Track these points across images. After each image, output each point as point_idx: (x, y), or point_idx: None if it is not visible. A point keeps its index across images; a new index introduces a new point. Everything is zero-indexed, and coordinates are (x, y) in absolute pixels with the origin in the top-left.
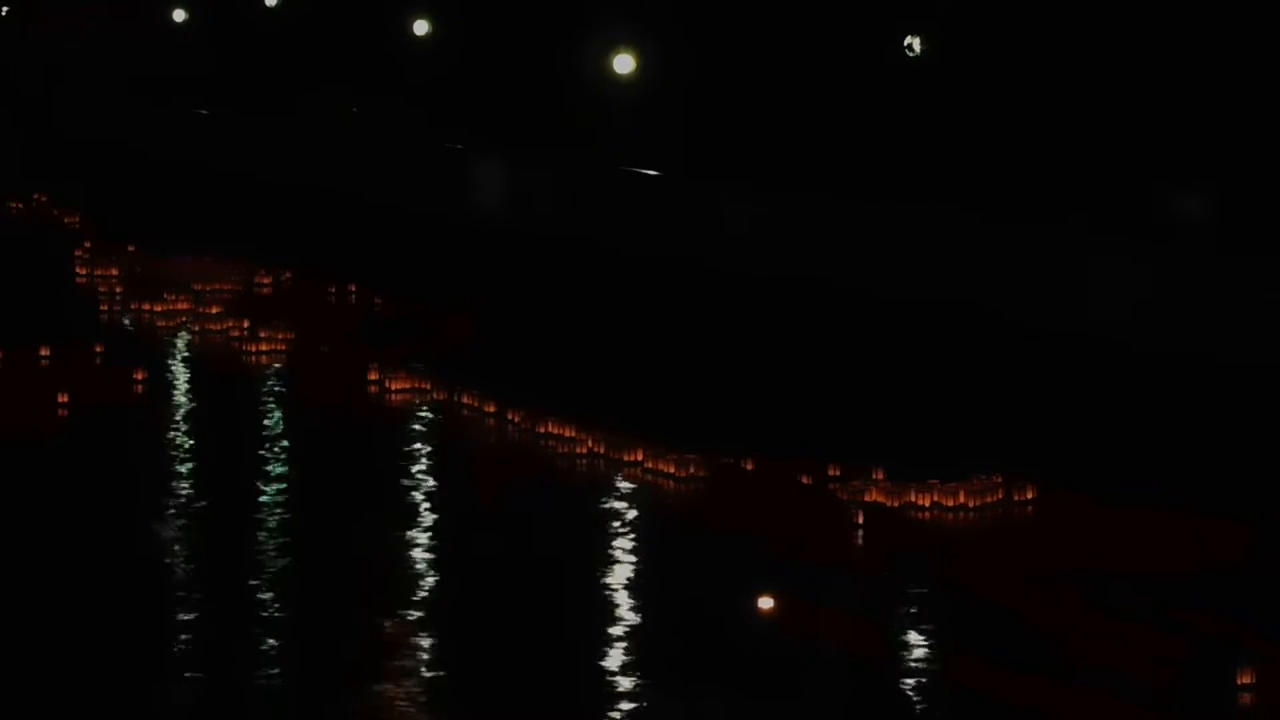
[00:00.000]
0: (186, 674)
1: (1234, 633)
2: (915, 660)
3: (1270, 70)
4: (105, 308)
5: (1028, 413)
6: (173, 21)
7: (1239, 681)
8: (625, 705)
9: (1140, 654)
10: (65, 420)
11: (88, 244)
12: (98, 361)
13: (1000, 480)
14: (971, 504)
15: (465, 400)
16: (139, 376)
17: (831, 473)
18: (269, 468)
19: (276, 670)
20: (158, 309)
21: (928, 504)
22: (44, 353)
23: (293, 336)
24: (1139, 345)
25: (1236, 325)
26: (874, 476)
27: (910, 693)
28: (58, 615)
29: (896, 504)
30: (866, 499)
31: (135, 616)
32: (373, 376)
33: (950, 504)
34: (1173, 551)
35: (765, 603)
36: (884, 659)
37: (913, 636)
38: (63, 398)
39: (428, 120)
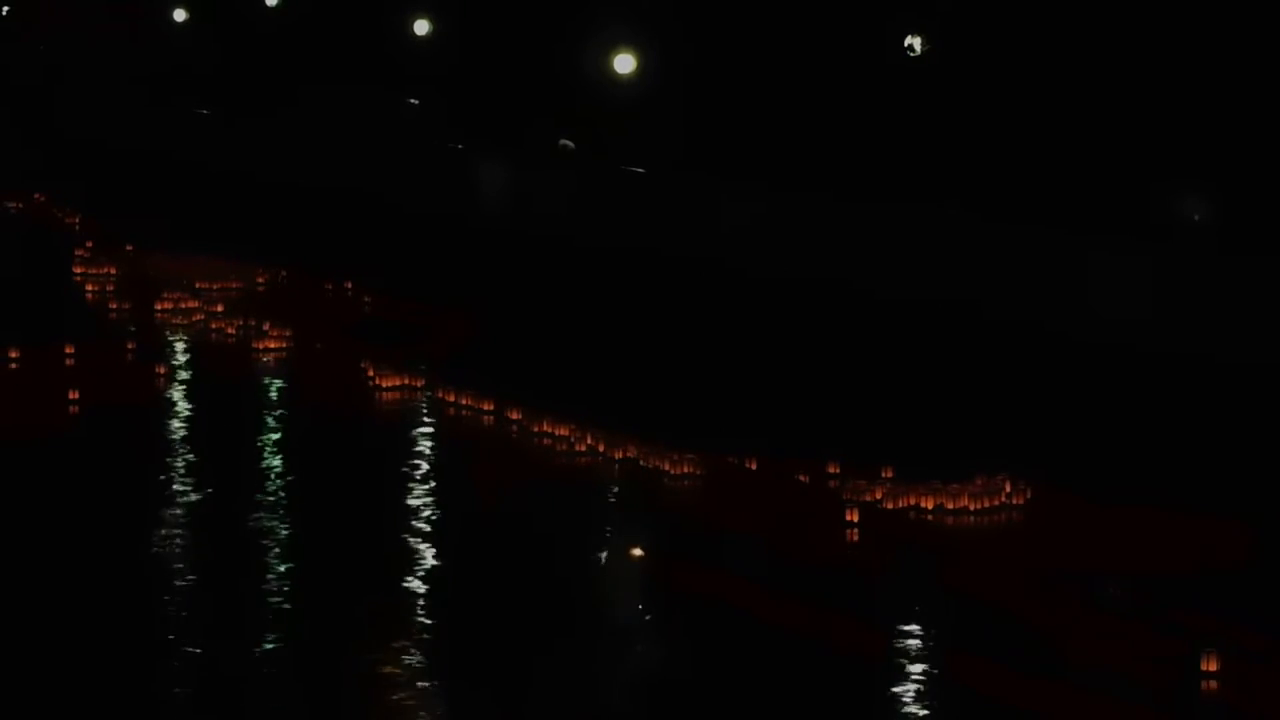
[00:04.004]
0: (185, 672)
1: (1233, 633)
2: (915, 660)
3: (1270, 70)
4: (114, 305)
5: (1028, 413)
6: (173, 21)
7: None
8: (624, 701)
9: (1140, 654)
10: (75, 416)
11: (88, 244)
12: (129, 358)
13: (1002, 481)
14: (973, 505)
15: (464, 399)
16: (159, 373)
17: (832, 471)
18: (271, 466)
19: (275, 668)
20: (162, 307)
21: (929, 505)
22: (69, 350)
23: (295, 336)
24: (1139, 345)
25: (1236, 325)
26: (876, 477)
27: (910, 693)
28: (55, 611)
29: (898, 504)
30: (868, 499)
31: (134, 613)
32: (372, 374)
33: (952, 505)
34: (1173, 551)
35: (636, 551)
36: (884, 659)
37: (913, 637)
38: (74, 394)
39: (428, 119)
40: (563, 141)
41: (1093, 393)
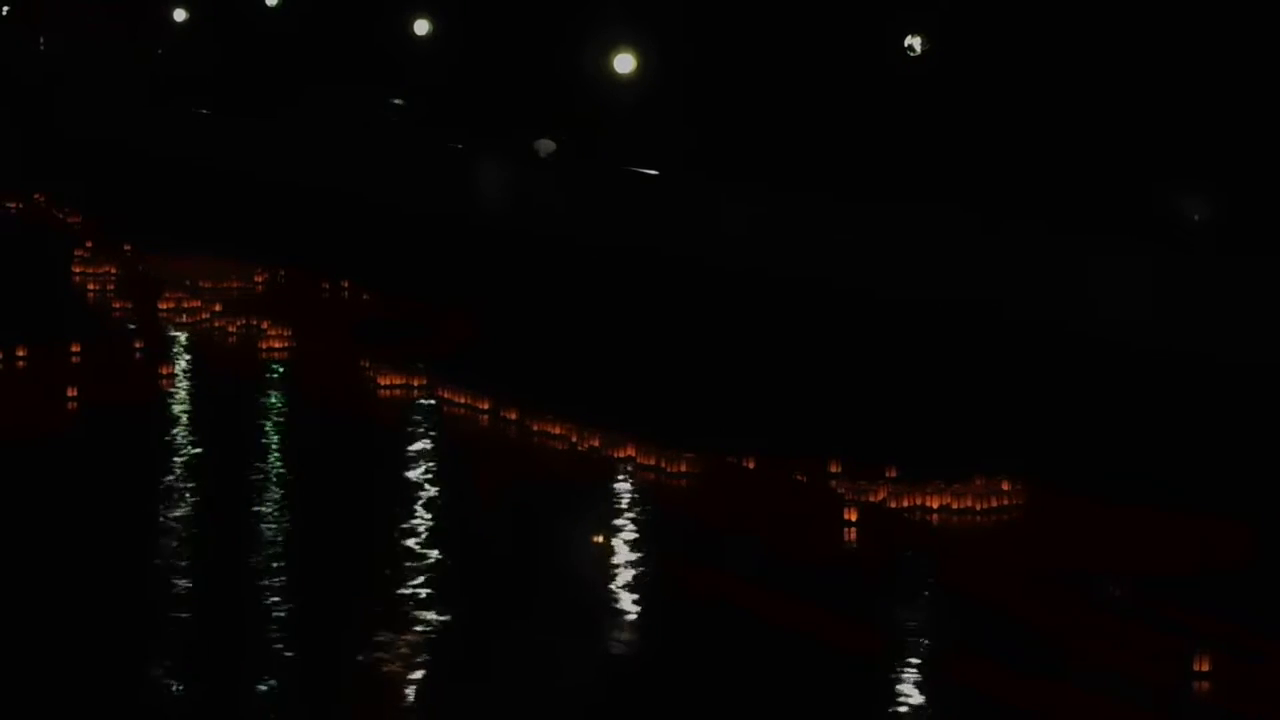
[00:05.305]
0: (184, 672)
1: (1233, 633)
2: (915, 660)
3: (1270, 70)
4: (116, 305)
5: (1027, 413)
6: (173, 21)
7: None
8: (623, 703)
9: (1140, 654)
10: (82, 415)
11: (89, 244)
12: (137, 357)
13: (1002, 481)
14: (973, 505)
15: (464, 398)
16: (163, 372)
17: (834, 471)
18: (270, 465)
19: (275, 667)
20: (165, 307)
21: (931, 505)
22: (74, 349)
23: (294, 335)
24: (1139, 345)
25: (1236, 325)
26: (878, 477)
27: (910, 693)
28: (53, 611)
29: (900, 504)
30: (870, 499)
31: (133, 614)
32: (372, 374)
33: (953, 505)
34: (1173, 551)
35: (598, 539)
36: (884, 659)
37: (913, 636)
38: (77, 392)
39: (428, 119)
40: (541, 141)
41: (1093, 392)
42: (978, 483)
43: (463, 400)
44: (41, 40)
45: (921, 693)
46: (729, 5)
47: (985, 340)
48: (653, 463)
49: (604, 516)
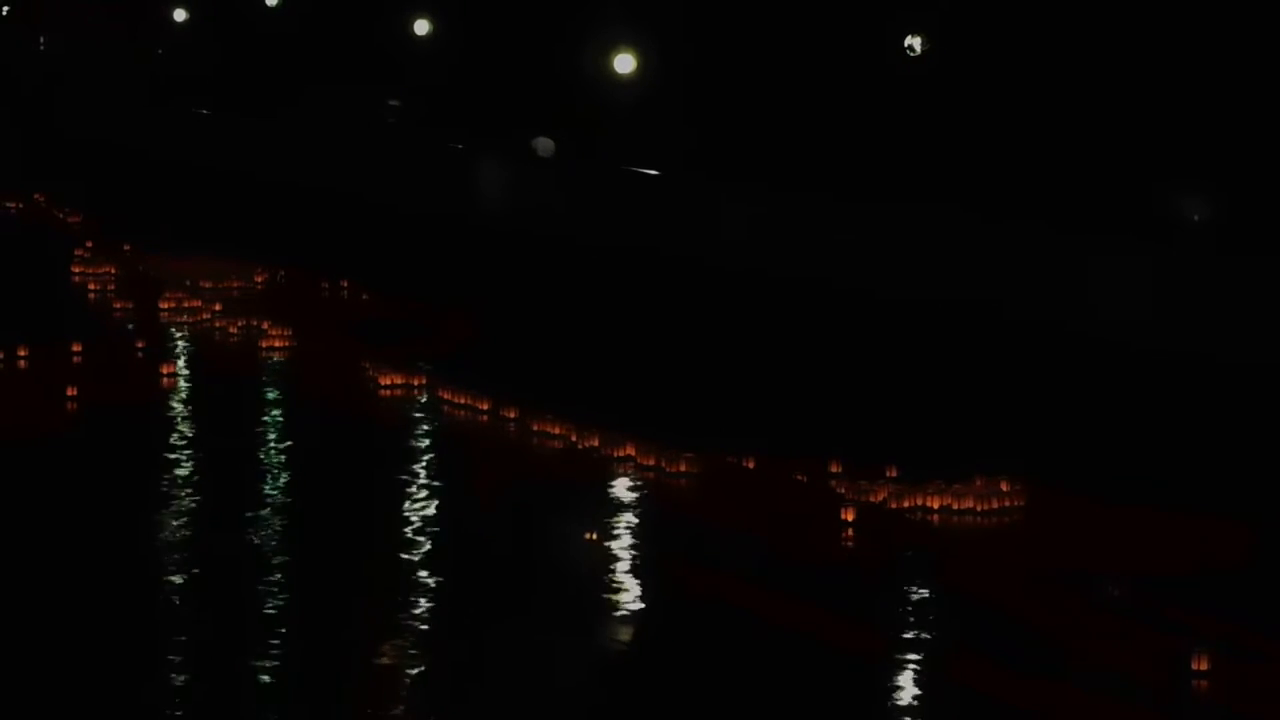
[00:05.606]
0: (184, 673)
1: (1232, 632)
2: (915, 660)
3: (1270, 70)
4: (117, 305)
5: (1027, 413)
6: (173, 21)
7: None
8: (625, 701)
9: (1140, 654)
10: (84, 415)
11: (89, 244)
12: (139, 356)
13: (1002, 481)
14: (973, 505)
15: (464, 398)
16: (164, 372)
17: (833, 470)
18: (270, 465)
19: (275, 668)
20: (166, 306)
21: (931, 505)
22: (76, 349)
23: (294, 335)
24: (1139, 345)
25: (1236, 325)
26: (876, 477)
27: (910, 693)
28: (54, 611)
29: (900, 505)
30: (869, 499)
31: (133, 614)
32: (372, 374)
33: (955, 505)
34: (1173, 551)
35: (598, 538)
36: (884, 659)
37: (914, 637)
38: (77, 391)
39: (428, 119)
40: (539, 140)
41: (1093, 393)
42: (978, 483)
43: (463, 400)
44: (41, 40)
45: (921, 693)
46: (729, 5)
47: (985, 340)
48: (652, 462)
49: (603, 516)
